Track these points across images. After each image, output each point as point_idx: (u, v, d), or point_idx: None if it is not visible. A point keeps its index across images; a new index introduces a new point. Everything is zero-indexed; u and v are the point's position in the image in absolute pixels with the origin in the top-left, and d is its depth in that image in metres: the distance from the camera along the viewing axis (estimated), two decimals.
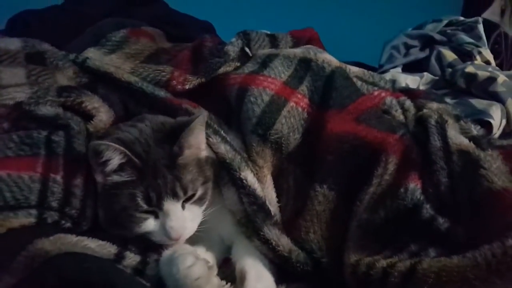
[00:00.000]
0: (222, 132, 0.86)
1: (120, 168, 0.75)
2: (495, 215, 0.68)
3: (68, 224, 0.78)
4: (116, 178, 0.75)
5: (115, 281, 0.59)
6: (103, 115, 0.88)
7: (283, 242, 0.77)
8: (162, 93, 0.90)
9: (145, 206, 0.74)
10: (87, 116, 0.88)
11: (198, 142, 0.80)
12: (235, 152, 0.83)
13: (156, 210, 0.75)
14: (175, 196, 0.74)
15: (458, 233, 0.70)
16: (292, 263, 0.77)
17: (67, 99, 0.88)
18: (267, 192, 0.83)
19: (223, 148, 0.82)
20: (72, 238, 0.70)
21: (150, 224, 0.75)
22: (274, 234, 0.77)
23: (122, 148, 0.74)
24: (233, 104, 0.91)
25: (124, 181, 0.74)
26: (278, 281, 0.76)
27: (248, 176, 0.80)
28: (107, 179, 0.76)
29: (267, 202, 0.81)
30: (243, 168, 0.81)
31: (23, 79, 0.96)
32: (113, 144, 0.74)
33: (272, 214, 0.80)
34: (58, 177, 0.79)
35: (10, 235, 0.72)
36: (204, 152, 0.81)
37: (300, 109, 0.89)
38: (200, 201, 0.79)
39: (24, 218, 0.75)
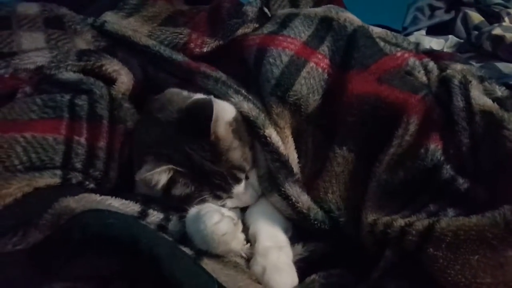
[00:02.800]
0: (243, 91, 0.85)
1: (173, 182, 0.77)
2: None
3: (92, 185, 0.81)
4: (174, 192, 0.78)
5: (139, 235, 0.61)
6: (124, 77, 0.88)
7: (303, 199, 0.78)
8: (179, 57, 0.90)
9: (219, 203, 0.78)
10: (109, 80, 0.88)
11: (223, 116, 0.79)
12: (258, 109, 0.83)
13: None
14: (238, 181, 0.79)
15: (478, 193, 0.69)
16: (310, 221, 0.78)
17: (87, 63, 0.89)
18: (289, 152, 0.83)
19: (246, 106, 0.82)
20: (96, 197, 0.73)
21: (230, 203, 0.80)
22: (295, 191, 0.78)
23: (164, 167, 0.75)
24: (252, 66, 0.90)
25: (186, 194, 0.78)
26: (295, 240, 0.78)
27: (272, 133, 0.81)
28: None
29: (289, 160, 0.81)
30: (267, 126, 0.81)
31: (42, 43, 0.97)
32: (157, 170, 0.74)
33: (294, 172, 0.81)
34: (82, 140, 0.82)
35: (37, 194, 0.74)
36: (228, 116, 0.81)
37: (320, 69, 0.88)
38: (253, 163, 0.82)
39: (50, 178, 0.77)
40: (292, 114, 0.85)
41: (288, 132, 0.85)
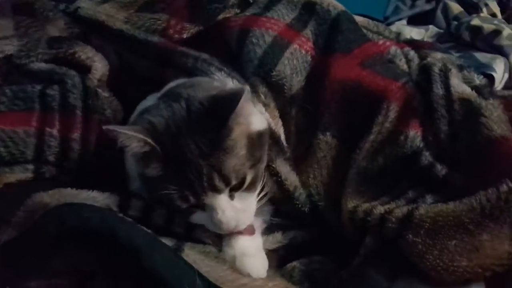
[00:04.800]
0: (226, 69, 0.83)
1: (147, 157, 0.67)
2: (492, 162, 0.69)
3: (67, 179, 0.78)
4: (148, 171, 0.67)
5: (117, 228, 0.59)
6: (98, 64, 0.85)
7: (291, 178, 0.78)
8: (155, 38, 0.87)
9: (183, 205, 0.66)
10: (82, 68, 0.85)
11: (247, 117, 0.69)
12: (243, 86, 0.79)
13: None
14: (214, 189, 0.65)
15: (455, 180, 0.71)
16: (293, 200, 0.77)
17: (59, 51, 0.86)
18: (280, 132, 0.82)
19: (231, 83, 0.79)
20: (72, 191, 0.70)
21: (198, 217, 0.69)
22: (284, 168, 0.77)
23: (140, 136, 0.65)
24: (234, 48, 0.88)
25: (155, 176, 0.67)
26: (275, 228, 0.77)
27: (262, 109, 0.79)
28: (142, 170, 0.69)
29: (281, 138, 0.80)
30: (256, 102, 0.79)
31: (11, 30, 0.93)
32: (124, 131, 0.65)
33: (285, 150, 0.79)
34: (54, 131, 0.79)
35: (8, 190, 0.72)
36: (254, 126, 0.71)
37: (303, 51, 0.86)
38: (252, 186, 0.69)
39: (21, 173, 0.75)
40: (276, 95, 0.83)
41: (276, 112, 0.83)
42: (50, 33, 0.95)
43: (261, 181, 0.72)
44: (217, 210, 0.65)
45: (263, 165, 0.72)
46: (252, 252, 0.70)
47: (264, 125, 0.75)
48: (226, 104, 0.65)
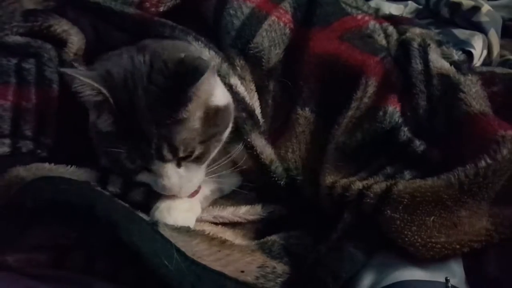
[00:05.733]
0: (203, 39, 0.81)
1: (99, 107, 0.67)
2: (471, 138, 0.69)
3: (44, 154, 0.77)
4: (99, 123, 0.68)
5: (94, 201, 0.59)
6: (74, 37, 0.83)
7: (267, 151, 0.78)
8: (131, 9, 0.85)
9: (131, 166, 0.68)
10: (58, 41, 0.83)
11: (208, 91, 0.70)
12: (220, 58, 0.80)
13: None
14: (161, 159, 0.66)
15: (433, 156, 0.71)
16: (269, 173, 0.77)
17: (34, 24, 0.83)
18: (255, 105, 0.82)
19: (207, 54, 0.78)
20: (49, 166, 0.70)
21: (144, 177, 0.70)
22: (260, 142, 0.77)
23: (94, 84, 0.64)
24: (211, 20, 0.87)
25: (104, 130, 0.68)
26: (254, 201, 0.78)
27: (237, 83, 0.78)
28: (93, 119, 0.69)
29: (256, 112, 0.80)
30: (232, 75, 0.78)
31: None
32: (80, 77, 0.64)
33: (260, 123, 0.80)
34: (31, 105, 0.77)
35: None
36: (214, 101, 0.71)
37: (282, 23, 0.85)
38: (198, 160, 0.70)
39: None
40: (253, 67, 0.83)
41: (252, 86, 0.83)
42: (25, 6, 0.91)
43: (208, 157, 0.72)
44: (163, 177, 0.68)
45: (217, 143, 0.73)
46: (179, 207, 0.71)
47: (226, 101, 0.75)
48: (190, 74, 0.65)
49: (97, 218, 0.58)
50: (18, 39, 0.83)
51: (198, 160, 0.70)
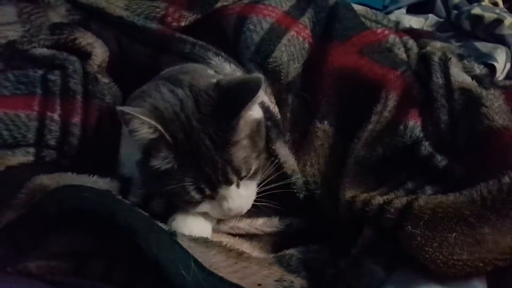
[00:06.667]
0: (223, 53, 0.83)
1: (154, 145, 0.66)
2: (493, 153, 0.67)
3: (67, 163, 0.79)
4: (154, 162, 0.66)
5: (115, 209, 0.60)
6: (98, 50, 0.86)
7: (290, 161, 0.78)
8: (153, 25, 0.87)
9: (199, 197, 0.68)
10: (83, 54, 0.86)
11: (251, 107, 0.69)
12: (242, 71, 0.80)
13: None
14: (228, 182, 0.68)
15: (455, 171, 0.69)
16: (290, 184, 0.77)
17: (60, 37, 0.87)
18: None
19: (228, 68, 0.79)
20: (72, 175, 0.71)
21: (205, 207, 0.71)
22: (284, 151, 0.78)
23: (152, 123, 0.63)
24: (231, 35, 0.88)
25: (163, 168, 0.66)
26: (271, 213, 0.77)
27: (261, 92, 0.76)
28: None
29: (281, 121, 0.80)
30: None
31: (14, 17, 0.93)
32: (140, 116, 0.63)
33: (285, 132, 0.80)
34: (55, 116, 0.80)
35: (9, 173, 0.73)
36: (253, 115, 0.72)
37: (301, 38, 0.86)
38: (254, 175, 0.72)
39: (22, 156, 0.76)
40: (272, 81, 0.83)
41: (272, 99, 0.83)
42: (52, 19, 0.95)
43: (261, 171, 0.73)
44: (228, 200, 0.69)
45: (263, 154, 0.74)
46: (195, 217, 0.72)
47: (261, 113, 0.75)
48: (243, 93, 0.66)
49: (117, 227, 0.58)
50: (45, 51, 0.86)
51: (254, 175, 0.72)
